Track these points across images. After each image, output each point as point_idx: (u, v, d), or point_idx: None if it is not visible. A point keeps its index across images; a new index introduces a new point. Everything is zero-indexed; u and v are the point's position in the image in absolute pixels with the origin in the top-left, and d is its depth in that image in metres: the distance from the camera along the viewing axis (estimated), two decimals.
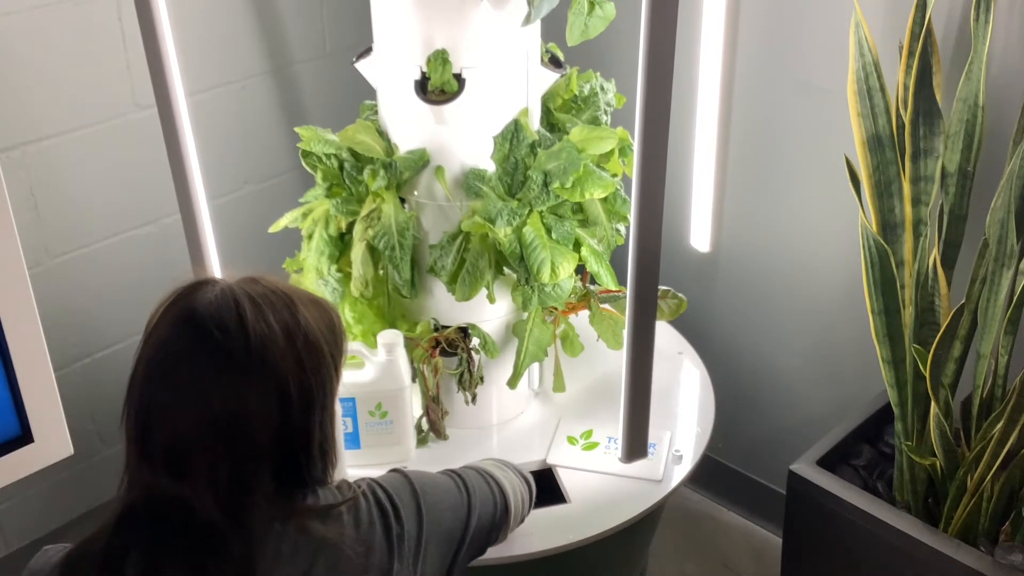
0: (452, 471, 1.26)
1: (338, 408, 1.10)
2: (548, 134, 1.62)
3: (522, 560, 1.49)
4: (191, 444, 0.96)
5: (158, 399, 0.97)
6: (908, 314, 1.57)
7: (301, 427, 1.00)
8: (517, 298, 1.61)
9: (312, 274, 1.66)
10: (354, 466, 1.63)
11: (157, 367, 0.98)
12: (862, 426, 1.80)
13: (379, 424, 1.63)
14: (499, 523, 1.27)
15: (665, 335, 1.93)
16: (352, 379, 1.60)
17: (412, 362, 1.63)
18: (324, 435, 1.03)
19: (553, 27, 1.62)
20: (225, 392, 0.96)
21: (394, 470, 1.19)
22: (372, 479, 1.14)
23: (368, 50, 1.62)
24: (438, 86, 1.50)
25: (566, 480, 1.62)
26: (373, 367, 1.59)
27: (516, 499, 1.31)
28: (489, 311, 1.67)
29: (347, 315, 1.67)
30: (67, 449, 1.50)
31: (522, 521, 1.36)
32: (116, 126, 1.87)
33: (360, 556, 1.05)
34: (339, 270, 1.66)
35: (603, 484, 1.62)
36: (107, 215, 1.92)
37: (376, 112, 1.66)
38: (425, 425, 1.71)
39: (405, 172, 1.57)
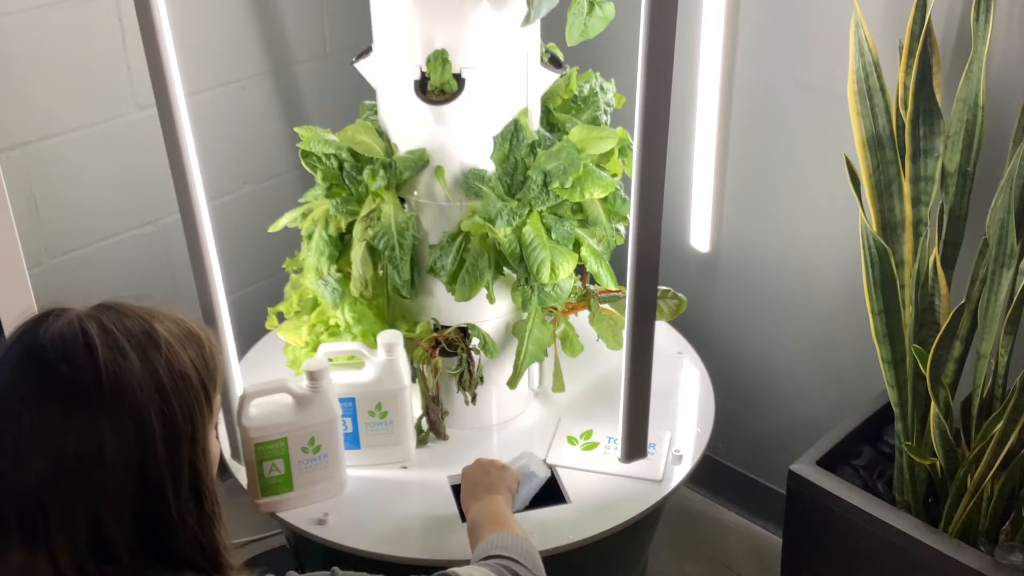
0: None
1: (213, 448, 0.97)
2: (548, 134, 1.62)
3: None
4: (44, 500, 0.86)
5: (2, 450, 0.87)
6: (908, 314, 1.57)
7: (168, 466, 0.89)
8: (517, 298, 1.61)
9: (312, 274, 1.66)
10: (354, 466, 1.63)
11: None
12: (862, 426, 1.80)
13: (379, 424, 1.63)
14: None
15: (665, 335, 1.93)
16: (352, 379, 1.60)
17: (412, 362, 1.63)
18: (196, 473, 0.92)
19: (553, 27, 1.61)
20: (76, 434, 0.86)
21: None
22: None
23: (368, 50, 1.62)
24: (438, 86, 1.50)
25: (566, 480, 1.62)
26: (373, 367, 1.59)
27: None
28: (489, 311, 1.67)
29: (347, 315, 1.67)
30: None
31: None
32: (116, 126, 1.88)
33: None
34: (339, 270, 1.66)
35: (603, 484, 1.61)
36: (107, 215, 1.92)
37: (376, 112, 1.66)
38: (425, 425, 1.71)
39: (405, 172, 1.57)
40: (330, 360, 1.61)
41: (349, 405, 1.60)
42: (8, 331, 0.94)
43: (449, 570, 1.10)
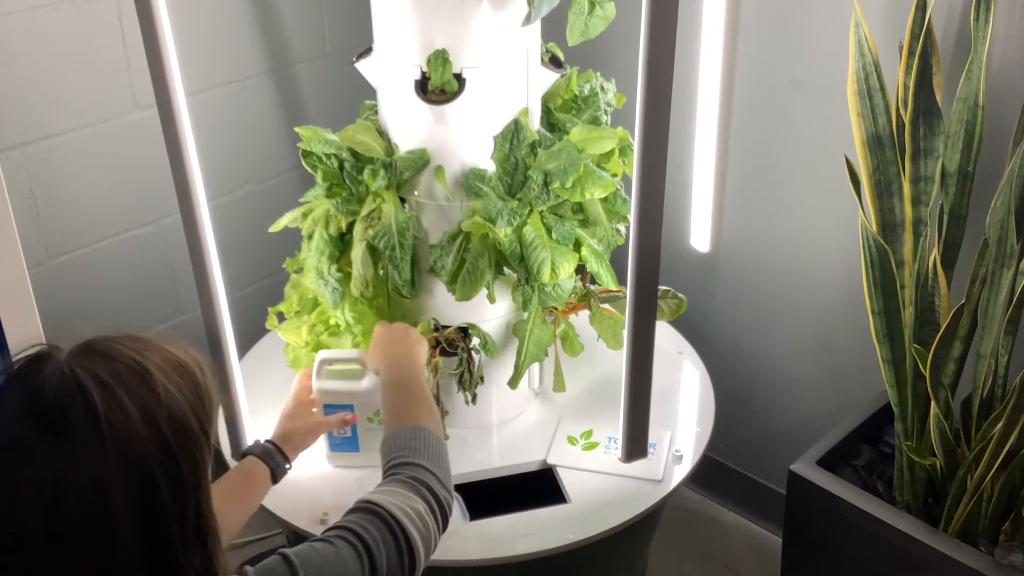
0: (356, 534, 1.09)
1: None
2: (548, 134, 1.62)
3: (522, 560, 1.49)
4: (42, 559, 0.83)
5: None
6: (908, 314, 1.57)
7: (174, 517, 0.87)
8: (517, 298, 1.61)
9: (312, 274, 1.66)
10: (353, 466, 1.63)
11: None
12: (862, 426, 1.80)
13: (378, 429, 1.62)
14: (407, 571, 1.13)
15: (665, 335, 1.93)
16: (351, 387, 1.59)
17: None
18: (200, 516, 0.90)
19: (553, 27, 1.62)
20: (79, 496, 0.83)
21: (280, 553, 1.05)
22: (246, 569, 1.01)
23: (368, 50, 1.62)
24: (438, 86, 1.50)
25: (566, 480, 1.62)
26: (372, 375, 1.59)
27: (424, 542, 1.15)
28: (489, 311, 1.67)
29: (347, 315, 1.67)
30: None
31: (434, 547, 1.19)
32: (116, 126, 1.87)
33: None
34: (339, 270, 1.66)
35: (603, 484, 1.61)
36: (107, 215, 1.92)
37: (376, 112, 1.66)
38: None
39: (405, 172, 1.57)
40: (328, 366, 1.61)
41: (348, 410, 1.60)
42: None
43: (369, 498, 1.13)
